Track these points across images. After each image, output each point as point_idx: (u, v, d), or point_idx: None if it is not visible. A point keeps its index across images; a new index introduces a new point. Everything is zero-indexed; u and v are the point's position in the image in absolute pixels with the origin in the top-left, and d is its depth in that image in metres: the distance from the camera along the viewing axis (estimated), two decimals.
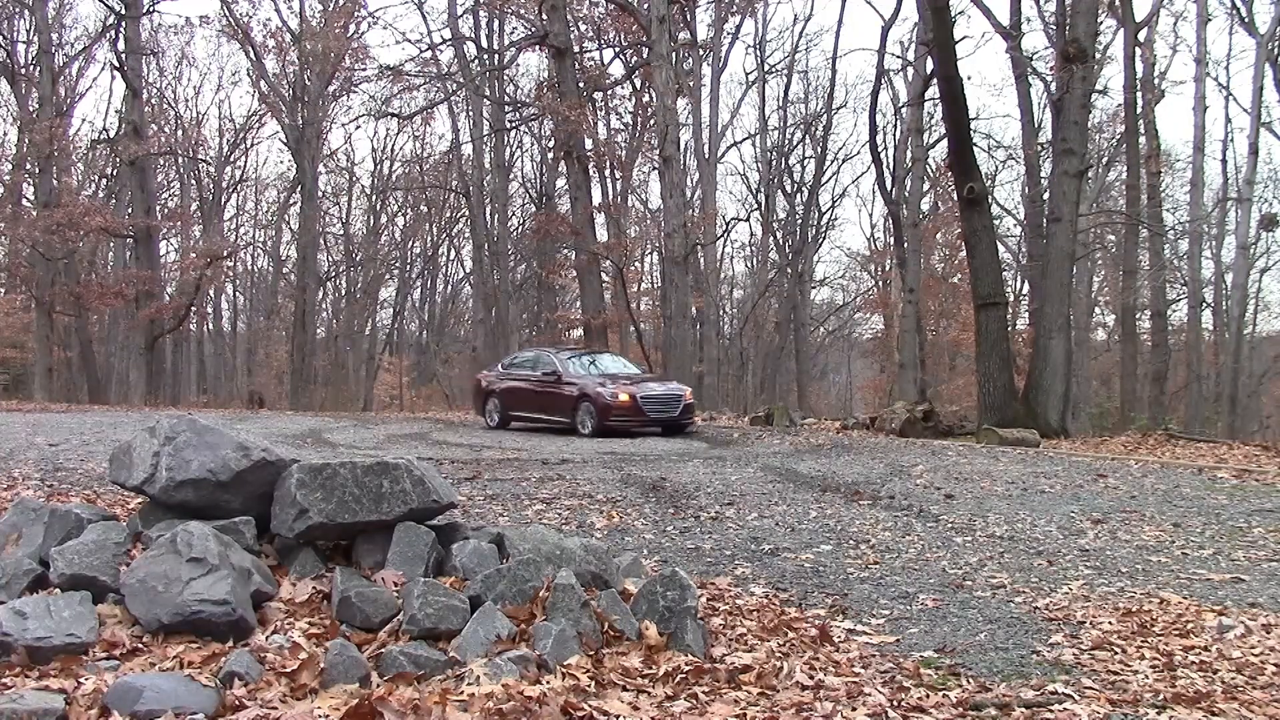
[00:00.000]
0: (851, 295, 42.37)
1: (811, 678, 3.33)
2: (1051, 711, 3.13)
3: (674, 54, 24.78)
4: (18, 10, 28.96)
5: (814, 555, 5.64)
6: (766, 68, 34.53)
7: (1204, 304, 27.94)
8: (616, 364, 17.07)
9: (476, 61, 29.04)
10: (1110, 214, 27.88)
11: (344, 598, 3.39)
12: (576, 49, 27.02)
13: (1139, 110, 23.42)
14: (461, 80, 27.55)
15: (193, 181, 37.36)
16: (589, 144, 26.15)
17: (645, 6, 23.52)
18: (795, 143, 35.10)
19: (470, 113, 30.70)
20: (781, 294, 34.49)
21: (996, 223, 21.48)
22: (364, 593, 3.40)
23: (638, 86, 29.73)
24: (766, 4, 34.59)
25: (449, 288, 44.72)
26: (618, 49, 30.16)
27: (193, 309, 31.08)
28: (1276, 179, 34.10)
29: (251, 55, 30.35)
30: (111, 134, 31.20)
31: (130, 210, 28.27)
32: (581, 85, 26.52)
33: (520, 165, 36.77)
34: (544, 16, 24.81)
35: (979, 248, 16.01)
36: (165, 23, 41.54)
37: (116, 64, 27.26)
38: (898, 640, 3.98)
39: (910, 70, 27.12)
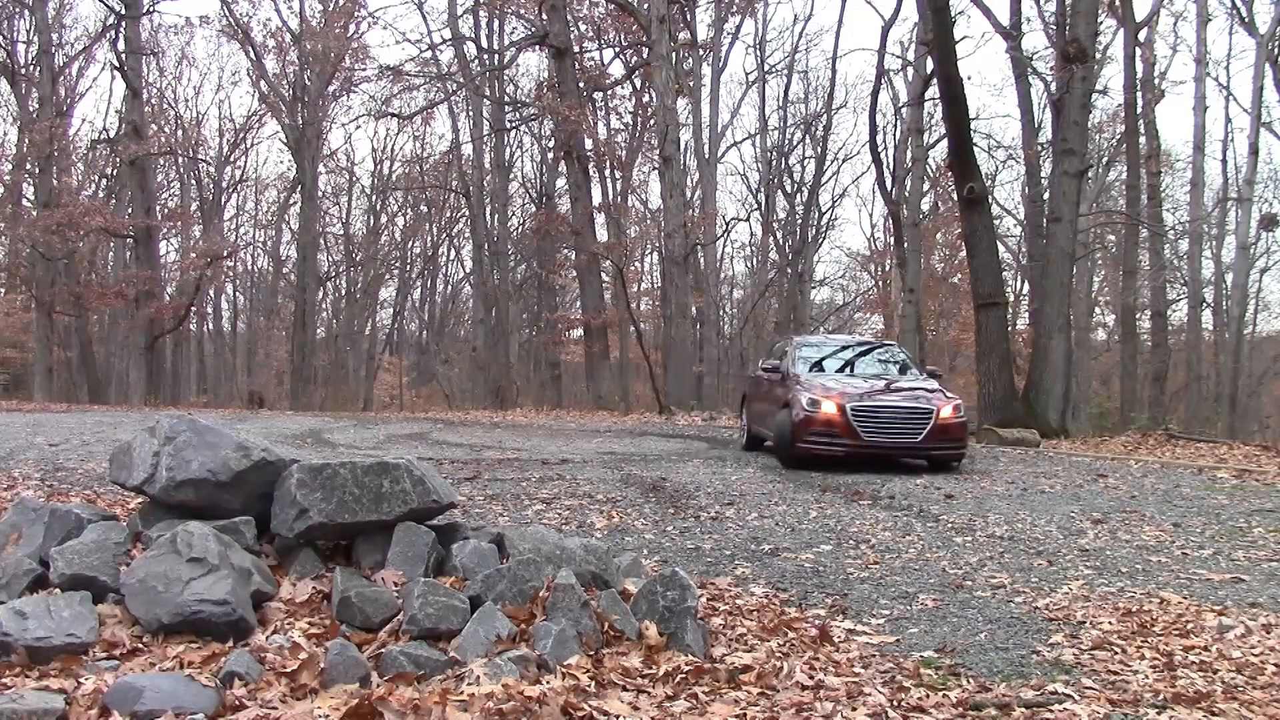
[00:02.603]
0: (851, 295, 42.42)
1: (811, 678, 3.33)
2: (1051, 711, 3.13)
3: (674, 54, 24.78)
4: (18, 10, 28.97)
5: (814, 555, 5.64)
6: (766, 68, 34.55)
7: (1204, 304, 27.97)
8: (890, 360, 12.15)
9: (476, 61, 29.05)
10: (1110, 214, 27.89)
11: (344, 598, 3.38)
12: (576, 49, 27.03)
13: (1139, 110, 23.41)
14: (461, 80, 27.56)
15: (193, 181, 37.37)
16: (589, 144, 26.16)
17: (645, 6, 23.52)
18: (795, 143, 35.13)
19: (470, 113, 30.71)
20: (781, 294, 34.49)
21: (996, 223, 21.47)
22: (364, 593, 3.40)
23: (638, 86, 29.74)
24: (766, 4, 34.66)
25: (449, 288, 44.77)
26: (618, 49, 30.18)
27: (193, 309, 31.09)
28: (1276, 179, 34.19)
29: (251, 55, 30.37)
30: (111, 134, 31.21)
31: (130, 210, 28.27)
32: (581, 85, 26.54)
33: (520, 165, 36.82)
34: (544, 16, 24.83)
35: (979, 248, 16.01)
36: (165, 23, 41.63)
37: (116, 64, 27.27)
38: (898, 640, 3.98)
39: (910, 70, 27.12)
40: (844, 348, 12.45)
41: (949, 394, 10.74)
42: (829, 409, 10.03)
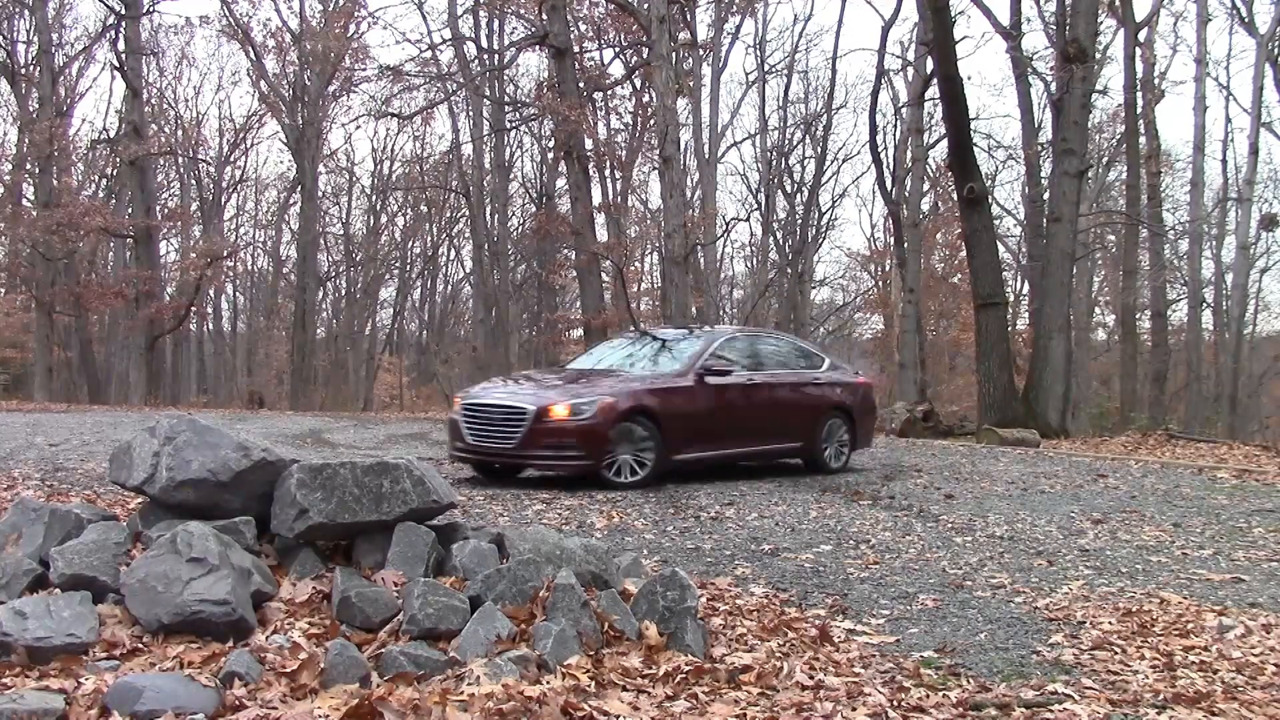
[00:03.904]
0: (851, 295, 42.39)
1: (811, 678, 3.33)
2: (1051, 711, 3.13)
3: (674, 54, 24.77)
4: (18, 10, 28.96)
5: (814, 555, 5.64)
6: (766, 68, 34.53)
7: (1204, 304, 27.97)
8: (669, 351, 9.56)
9: (476, 61, 29.04)
10: (1110, 214, 27.89)
11: (344, 598, 3.39)
12: (576, 49, 27.01)
13: (1139, 110, 23.41)
14: (461, 80, 27.55)
15: (193, 181, 37.36)
16: (589, 144, 26.14)
17: (645, 6, 23.52)
18: (795, 143, 35.11)
19: (470, 113, 30.71)
20: (781, 294, 34.49)
21: (996, 223, 21.48)
22: (364, 593, 3.40)
23: (638, 86, 29.73)
24: (766, 4, 34.59)
25: (449, 288, 44.75)
26: (618, 49, 30.15)
27: (193, 309, 31.05)
28: (1276, 179, 34.16)
29: (251, 55, 30.35)
30: (111, 134, 31.20)
31: (130, 210, 28.24)
32: (581, 85, 26.52)
33: (520, 165, 36.80)
34: (544, 16, 24.81)
35: (979, 248, 16.01)
36: (165, 23, 41.46)
37: (116, 64, 27.23)
38: (898, 640, 3.98)
39: (910, 70, 27.11)
40: (666, 338, 10.01)
41: (628, 390, 8.46)
42: (456, 408, 8.73)
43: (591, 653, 3.29)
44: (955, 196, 18.27)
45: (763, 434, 9.31)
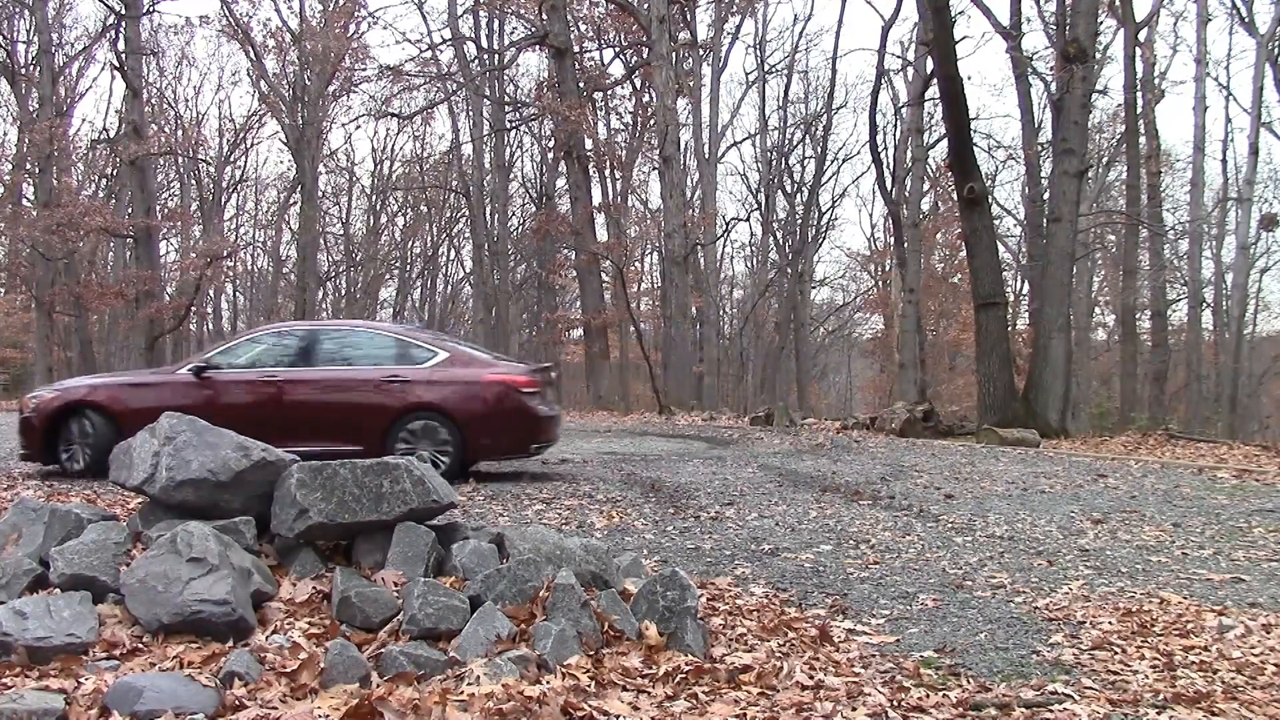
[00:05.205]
0: (851, 295, 42.40)
1: (811, 678, 3.33)
2: (1051, 711, 3.13)
3: (674, 54, 24.78)
4: (18, 10, 28.97)
5: (814, 555, 5.64)
6: (766, 68, 34.54)
7: (1204, 304, 27.94)
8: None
9: (476, 61, 29.06)
10: (1110, 214, 27.88)
11: (344, 598, 3.39)
12: (576, 49, 27.03)
13: (1139, 110, 23.40)
14: (461, 80, 27.57)
15: (193, 181, 37.38)
16: (589, 144, 26.15)
17: (645, 6, 23.52)
18: (795, 143, 35.11)
19: (470, 113, 30.72)
20: (781, 294, 34.49)
21: (996, 223, 21.47)
22: (364, 593, 3.40)
23: (638, 86, 29.75)
24: (766, 4, 34.60)
25: (449, 288, 44.75)
26: (618, 49, 30.18)
27: (193, 309, 31.07)
28: (1276, 179, 34.18)
29: (251, 55, 30.37)
30: (111, 134, 31.22)
31: (130, 210, 28.26)
32: (581, 85, 26.53)
33: (520, 165, 36.83)
34: (544, 16, 24.81)
35: (979, 248, 16.00)
36: (165, 23, 41.42)
37: (116, 64, 27.24)
38: (898, 640, 3.98)
39: (910, 70, 27.12)
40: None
41: (83, 385, 8.88)
42: None
43: (591, 653, 3.29)
44: (955, 196, 18.25)
45: (291, 431, 8.25)
